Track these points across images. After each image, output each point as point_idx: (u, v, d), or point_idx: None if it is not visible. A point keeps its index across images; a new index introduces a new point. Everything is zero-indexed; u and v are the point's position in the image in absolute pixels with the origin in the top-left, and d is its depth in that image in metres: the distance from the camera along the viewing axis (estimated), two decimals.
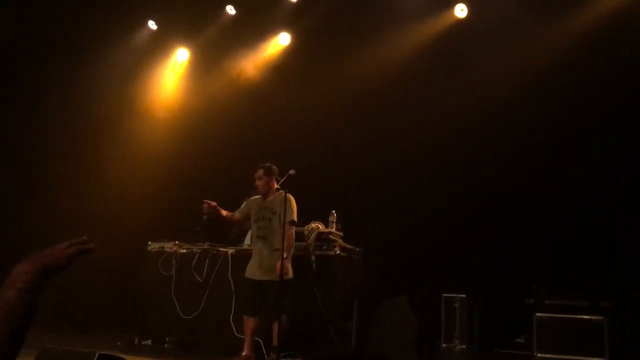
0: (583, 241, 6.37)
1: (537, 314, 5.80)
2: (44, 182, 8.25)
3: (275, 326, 5.24)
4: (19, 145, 8.23)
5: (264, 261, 5.49)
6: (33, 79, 8.36)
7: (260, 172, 5.60)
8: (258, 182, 5.60)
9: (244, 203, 5.86)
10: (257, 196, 5.76)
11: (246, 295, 5.66)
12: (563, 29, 6.95)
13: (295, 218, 5.51)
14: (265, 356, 5.72)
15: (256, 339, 5.82)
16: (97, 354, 2.97)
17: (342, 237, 6.24)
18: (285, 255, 5.26)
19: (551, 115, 6.94)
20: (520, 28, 7.02)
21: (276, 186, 5.59)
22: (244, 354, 5.47)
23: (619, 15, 6.63)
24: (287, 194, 5.33)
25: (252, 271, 5.57)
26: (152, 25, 8.87)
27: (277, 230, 5.45)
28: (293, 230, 5.53)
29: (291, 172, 5.26)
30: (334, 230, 6.13)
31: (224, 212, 5.76)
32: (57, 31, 8.31)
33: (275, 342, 5.30)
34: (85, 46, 8.48)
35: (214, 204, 5.61)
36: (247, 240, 6.44)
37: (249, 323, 5.51)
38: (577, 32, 6.84)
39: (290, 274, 5.42)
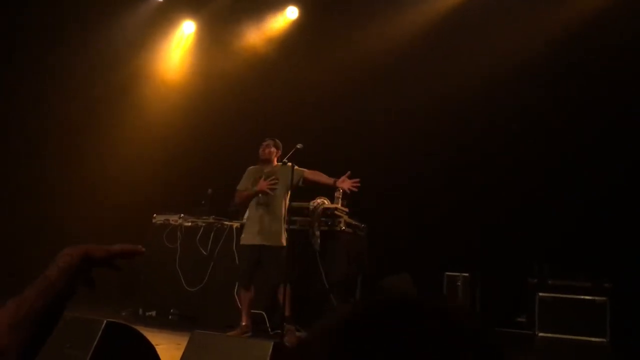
0: (586, 221, 6.37)
1: (540, 294, 5.82)
2: (50, 154, 8.24)
3: (286, 296, 5.20)
4: (23, 118, 8.19)
5: (264, 227, 5.48)
6: (36, 51, 8.29)
7: (270, 142, 5.67)
8: (265, 150, 5.62)
9: (244, 175, 5.84)
10: (253, 167, 5.78)
11: (241, 265, 5.69)
12: (562, 14, 6.87)
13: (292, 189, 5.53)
14: (269, 329, 5.77)
15: (259, 311, 5.87)
16: (105, 321, 3.00)
17: (347, 213, 6.25)
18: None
19: (556, 94, 6.90)
20: (528, 6, 6.94)
21: (276, 162, 5.63)
22: (243, 324, 5.49)
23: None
24: (295, 166, 5.37)
25: (250, 237, 5.56)
26: None
27: (280, 197, 5.49)
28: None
29: (298, 146, 5.24)
30: (339, 206, 6.13)
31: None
32: (62, 2, 8.21)
33: (288, 313, 5.26)
34: (90, 18, 8.38)
35: None
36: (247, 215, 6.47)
37: (246, 294, 5.53)
38: (573, 20, 6.77)
39: (284, 241, 5.49)
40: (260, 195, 5.52)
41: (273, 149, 5.63)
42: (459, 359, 0.59)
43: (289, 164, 5.32)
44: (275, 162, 5.63)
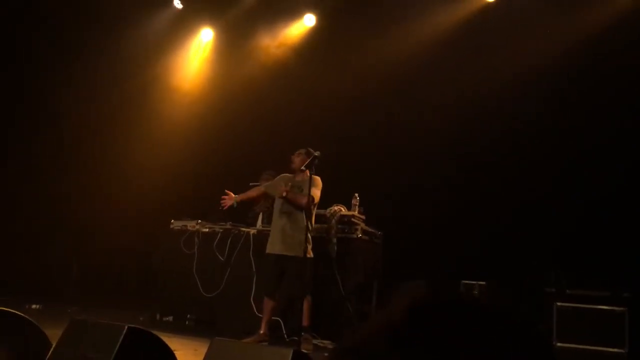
0: (605, 231, 6.30)
1: (558, 304, 5.77)
2: (69, 160, 8.34)
3: (306, 305, 5.23)
4: (44, 124, 8.31)
5: (286, 237, 5.51)
6: (55, 58, 8.41)
7: (302, 150, 5.67)
8: (297, 159, 5.64)
9: (277, 178, 5.89)
10: (286, 174, 5.82)
11: (266, 273, 5.72)
12: (593, 14, 6.83)
13: (317, 199, 5.54)
14: (285, 335, 5.78)
15: (276, 318, 5.89)
16: (126, 327, 3.03)
17: (364, 221, 6.25)
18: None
19: (574, 100, 6.85)
20: (546, 13, 6.92)
21: (308, 172, 5.64)
22: (261, 332, 5.53)
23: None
24: (312, 175, 5.41)
25: (274, 246, 5.60)
26: (177, 4, 8.86)
27: (306, 212, 5.48)
28: (307, 204, 5.42)
29: (316, 154, 5.26)
30: (356, 213, 6.14)
31: (251, 194, 5.80)
32: (81, 10, 8.33)
33: (306, 323, 5.30)
34: (110, 25, 8.49)
35: (231, 195, 5.74)
36: (259, 223, 6.51)
37: (269, 303, 5.57)
38: (605, 20, 6.73)
39: (310, 253, 5.46)
40: (282, 203, 5.57)
41: (303, 157, 5.60)
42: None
43: (311, 174, 5.40)
44: (307, 172, 5.64)
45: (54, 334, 3.38)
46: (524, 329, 0.64)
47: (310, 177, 5.32)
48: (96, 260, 7.90)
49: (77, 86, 8.37)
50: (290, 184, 5.63)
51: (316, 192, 5.50)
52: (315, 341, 5.61)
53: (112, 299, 7.48)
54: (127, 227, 7.92)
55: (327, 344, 5.69)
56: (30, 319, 3.53)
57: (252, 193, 5.96)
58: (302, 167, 5.34)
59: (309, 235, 5.37)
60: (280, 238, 5.55)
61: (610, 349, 5.43)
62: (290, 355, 2.69)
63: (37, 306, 6.78)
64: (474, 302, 0.67)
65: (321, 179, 5.61)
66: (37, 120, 8.31)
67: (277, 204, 5.71)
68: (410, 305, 0.67)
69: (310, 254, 5.45)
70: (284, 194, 5.49)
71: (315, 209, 5.70)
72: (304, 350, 5.03)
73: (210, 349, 2.96)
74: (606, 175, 6.50)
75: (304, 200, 5.36)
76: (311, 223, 5.51)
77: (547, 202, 6.73)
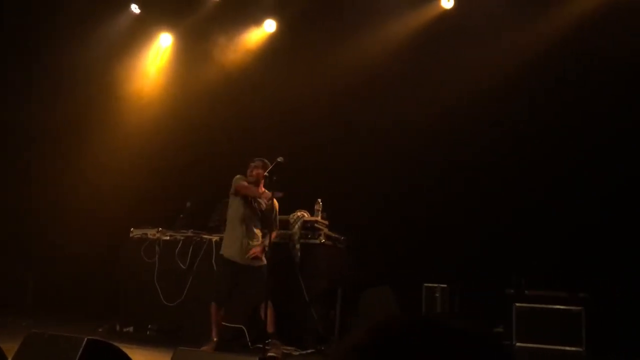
0: (562, 233, 6.48)
1: (517, 304, 5.89)
2: (23, 170, 8.10)
3: (269, 312, 5.20)
4: (1, 130, 8.05)
5: (243, 248, 5.50)
6: (14, 63, 8.18)
7: (259, 163, 5.60)
8: (256, 172, 5.57)
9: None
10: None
11: (222, 281, 5.61)
12: (552, 20, 7.01)
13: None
14: (249, 343, 5.73)
15: (239, 326, 5.84)
16: (85, 339, 2.94)
17: (327, 226, 6.26)
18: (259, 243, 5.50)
19: (536, 109, 7.02)
20: (507, 19, 7.06)
21: (262, 184, 5.66)
22: (214, 339, 5.44)
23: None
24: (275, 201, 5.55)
25: (232, 253, 5.55)
26: (135, 9, 8.71)
27: (258, 224, 5.56)
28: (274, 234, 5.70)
29: (279, 159, 5.24)
30: (319, 218, 6.15)
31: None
32: (36, 14, 8.13)
33: (271, 329, 5.26)
34: (66, 30, 8.30)
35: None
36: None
37: (218, 312, 5.52)
38: (564, 25, 6.91)
39: (264, 260, 5.50)
40: (243, 212, 5.56)
41: (261, 171, 5.56)
42: None
43: (274, 201, 5.51)
44: (262, 184, 5.61)
45: (8, 348, 3.26)
46: (483, 344, 0.64)
47: (275, 206, 5.52)
48: (53, 270, 7.68)
49: (34, 91, 8.15)
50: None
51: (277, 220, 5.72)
52: (283, 347, 5.57)
53: (69, 310, 7.27)
54: (86, 236, 7.72)
55: (292, 350, 5.67)
56: None
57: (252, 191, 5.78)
58: (266, 174, 5.30)
59: (265, 244, 5.46)
60: (239, 248, 5.52)
61: (568, 348, 5.57)
62: None
63: None
64: (435, 322, 0.66)
65: (284, 183, 5.53)
66: None
67: (237, 212, 5.61)
68: (374, 327, 0.67)
69: (264, 261, 5.47)
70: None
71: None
72: (273, 355, 5.01)
73: (173, 358, 2.91)
74: (564, 179, 6.69)
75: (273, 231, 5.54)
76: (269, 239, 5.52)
77: (506, 204, 6.87)
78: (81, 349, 2.87)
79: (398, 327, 0.66)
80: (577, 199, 6.53)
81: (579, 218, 6.43)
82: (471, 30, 7.19)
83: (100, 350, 3.00)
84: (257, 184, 5.59)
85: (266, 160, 5.57)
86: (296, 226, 6.02)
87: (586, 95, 6.61)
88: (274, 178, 5.22)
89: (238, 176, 5.62)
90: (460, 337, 0.64)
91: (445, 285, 6.58)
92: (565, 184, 6.68)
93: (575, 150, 6.70)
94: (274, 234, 5.50)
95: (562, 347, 5.58)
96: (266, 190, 5.55)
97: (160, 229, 6.64)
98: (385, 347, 0.63)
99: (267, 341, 5.12)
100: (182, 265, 6.30)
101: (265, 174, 5.30)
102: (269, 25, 8.43)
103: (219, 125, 8.17)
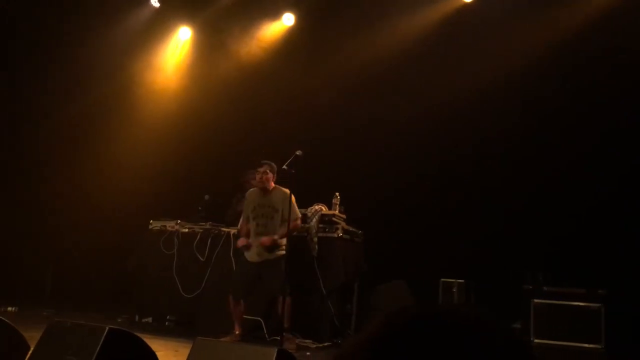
0: (581, 229, 6.41)
1: (535, 300, 5.84)
2: (42, 164, 8.20)
3: (285, 307, 5.24)
4: (20, 125, 8.16)
5: (262, 249, 5.60)
6: (32, 57, 8.26)
7: (266, 168, 5.65)
8: (262, 177, 5.63)
9: (244, 203, 5.89)
10: (252, 189, 5.82)
11: (239, 276, 5.73)
12: (572, 14, 6.93)
13: (300, 214, 5.71)
14: (266, 335, 5.76)
15: (256, 318, 5.88)
16: (107, 328, 2.99)
17: (344, 220, 6.27)
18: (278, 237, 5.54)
19: (551, 102, 6.95)
20: (528, 12, 6.99)
21: (273, 184, 5.69)
22: (236, 332, 5.53)
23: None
24: (285, 190, 5.56)
25: (252, 254, 5.68)
26: (154, 2, 8.76)
27: (278, 227, 5.60)
28: (299, 222, 5.72)
29: (298, 152, 5.25)
30: (337, 212, 6.15)
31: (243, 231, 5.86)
32: (55, 7, 8.19)
33: (287, 323, 5.31)
34: (86, 24, 8.37)
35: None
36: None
37: (237, 306, 5.61)
38: (584, 20, 6.83)
39: (283, 251, 5.55)
40: (257, 225, 5.68)
41: (270, 175, 5.65)
42: None
43: (286, 190, 5.50)
44: (272, 185, 5.66)
45: (31, 337, 3.32)
46: (500, 337, 0.64)
47: (290, 197, 5.45)
48: (73, 262, 7.78)
49: (54, 86, 8.23)
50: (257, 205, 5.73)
51: (297, 210, 5.66)
52: (298, 340, 5.60)
53: (89, 301, 7.37)
54: (105, 228, 7.82)
55: (309, 343, 5.69)
56: (7, 321, 3.46)
57: (243, 230, 5.89)
58: (284, 167, 5.33)
59: (284, 240, 5.52)
60: (257, 251, 5.62)
61: (587, 345, 5.52)
62: (275, 353, 2.69)
63: (13, 309, 6.66)
64: (450, 312, 0.66)
65: (302, 177, 5.56)
66: (14, 121, 8.16)
67: (252, 224, 5.73)
68: (388, 319, 0.66)
69: (280, 252, 5.54)
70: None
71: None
72: (287, 350, 5.03)
73: (193, 348, 2.94)
74: (583, 176, 6.61)
75: (293, 226, 5.50)
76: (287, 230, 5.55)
77: (526, 202, 6.81)
78: (103, 338, 2.91)
79: (412, 317, 0.65)
80: (598, 195, 6.46)
81: (600, 214, 6.36)
82: (491, 23, 7.12)
83: (121, 339, 3.04)
84: (266, 189, 5.66)
85: (272, 164, 5.68)
86: (314, 220, 6.03)
87: (611, 82, 6.52)
88: (293, 171, 5.23)
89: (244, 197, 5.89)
90: (476, 327, 0.63)
91: (462, 281, 6.55)
92: (587, 178, 6.61)
93: (598, 144, 6.62)
94: (292, 225, 5.47)
95: (581, 344, 5.53)
96: (239, 241, 5.75)
97: (179, 221, 6.69)
98: (399, 337, 0.62)
99: (282, 334, 5.16)
100: (200, 258, 6.35)
101: (284, 167, 5.32)
102: (288, 19, 8.43)
103: (237, 118, 8.20)
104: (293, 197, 5.56)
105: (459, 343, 0.61)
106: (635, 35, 6.29)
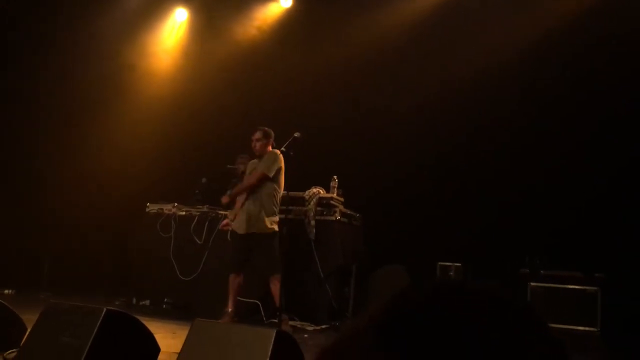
0: (578, 213, 6.41)
1: (532, 284, 5.87)
2: (38, 145, 8.14)
3: (275, 287, 5.23)
4: (15, 108, 8.08)
5: (251, 216, 5.48)
6: (24, 41, 8.16)
7: (258, 134, 5.59)
8: (255, 144, 5.59)
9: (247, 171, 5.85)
10: (254, 160, 5.78)
11: (231, 251, 5.71)
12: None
13: (269, 173, 5.47)
14: (264, 318, 5.78)
15: (254, 301, 5.88)
16: (104, 309, 2.97)
17: (342, 203, 6.26)
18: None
19: (549, 89, 6.92)
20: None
21: (270, 149, 5.60)
22: (229, 310, 5.49)
23: None
24: (274, 150, 5.46)
25: (238, 225, 5.60)
26: None
27: (264, 188, 5.47)
28: (257, 180, 5.50)
29: (296, 134, 5.22)
30: (335, 195, 6.14)
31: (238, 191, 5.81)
32: None
33: (277, 304, 5.30)
34: (80, 5, 8.27)
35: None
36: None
37: (234, 280, 5.53)
38: (582, 6, 6.78)
39: (274, 227, 5.48)
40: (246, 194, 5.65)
41: (262, 141, 5.57)
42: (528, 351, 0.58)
43: (276, 150, 5.41)
44: (270, 149, 5.60)
45: (28, 320, 3.31)
46: (512, 319, 0.61)
47: (274, 155, 5.41)
48: (70, 245, 7.76)
49: (48, 67, 8.14)
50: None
51: (269, 167, 5.47)
52: (294, 323, 5.61)
53: (86, 285, 7.36)
54: (102, 211, 7.79)
55: (306, 325, 5.71)
56: (3, 302, 3.45)
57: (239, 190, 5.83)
58: (283, 149, 5.29)
59: (273, 208, 5.45)
60: (245, 217, 5.52)
61: (583, 328, 5.55)
62: (274, 335, 2.68)
63: (10, 291, 6.66)
64: (452, 289, 0.63)
65: (300, 160, 5.53)
66: (10, 107, 8.07)
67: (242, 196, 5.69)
68: (391, 301, 0.63)
69: (274, 228, 5.45)
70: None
71: (278, 185, 5.59)
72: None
73: (192, 330, 2.93)
74: (581, 163, 6.59)
75: (251, 180, 5.44)
76: (276, 202, 5.49)
77: (524, 189, 6.80)
78: (100, 319, 2.90)
79: (418, 297, 0.62)
80: (595, 178, 6.45)
81: (596, 197, 6.36)
82: (490, 9, 7.05)
83: (119, 321, 3.03)
84: (261, 155, 5.60)
85: (266, 129, 5.62)
86: (312, 203, 6.02)
87: (609, 70, 6.48)
88: (291, 153, 5.20)
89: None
90: (485, 299, 0.61)
91: (459, 264, 6.57)
92: (583, 162, 6.60)
93: (593, 128, 6.60)
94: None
95: (577, 327, 5.56)
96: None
97: (176, 204, 6.67)
98: (400, 322, 0.60)
99: (276, 315, 5.15)
100: (197, 240, 6.34)
101: (283, 149, 5.29)
102: (285, 1, 8.34)
103: (235, 100, 8.15)
104: (281, 157, 5.45)
105: (472, 317, 0.58)
106: (634, 21, 6.24)
